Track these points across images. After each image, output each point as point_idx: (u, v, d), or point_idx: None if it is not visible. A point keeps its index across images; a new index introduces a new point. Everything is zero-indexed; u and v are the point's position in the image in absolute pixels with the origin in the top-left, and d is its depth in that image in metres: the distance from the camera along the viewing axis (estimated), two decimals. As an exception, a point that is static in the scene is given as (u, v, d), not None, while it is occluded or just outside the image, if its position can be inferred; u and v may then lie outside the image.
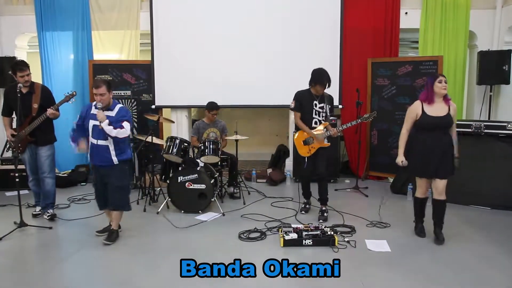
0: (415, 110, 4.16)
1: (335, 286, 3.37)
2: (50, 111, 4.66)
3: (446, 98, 4.10)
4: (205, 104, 6.00)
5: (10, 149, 4.81)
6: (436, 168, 4.08)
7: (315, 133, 4.85)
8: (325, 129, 4.87)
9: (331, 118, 5.04)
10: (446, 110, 4.07)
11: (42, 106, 4.74)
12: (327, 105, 4.87)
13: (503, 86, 6.73)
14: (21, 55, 7.25)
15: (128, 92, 6.78)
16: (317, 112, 4.89)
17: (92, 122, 4.10)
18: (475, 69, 6.75)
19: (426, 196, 4.35)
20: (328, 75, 4.75)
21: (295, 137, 5.00)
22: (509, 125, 5.23)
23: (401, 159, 4.24)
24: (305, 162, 4.98)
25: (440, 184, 4.11)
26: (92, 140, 4.13)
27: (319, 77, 4.74)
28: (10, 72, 4.83)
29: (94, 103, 4.12)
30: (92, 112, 4.11)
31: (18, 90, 4.57)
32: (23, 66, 4.69)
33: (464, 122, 5.62)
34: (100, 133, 4.04)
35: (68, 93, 4.83)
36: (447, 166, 4.09)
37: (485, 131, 5.36)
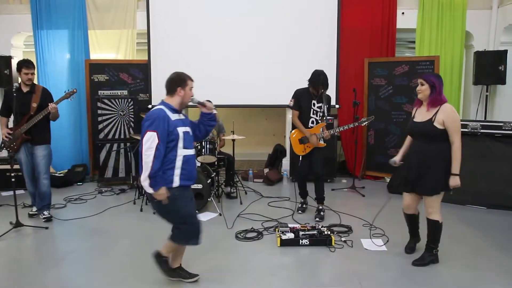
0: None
1: (332, 285, 3.37)
2: (52, 105, 4.65)
3: (432, 102, 3.50)
4: (202, 103, 6.00)
5: (4, 148, 4.78)
6: (413, 182, 3.61)
7: (311, 133, 4.86)
8: (321, 130, 4.88)
9: (328, 118, 5.05)
10: (428, 116, 3.50)
11: (41, 106, 4.74)
12: (325, 105, 4.87)
13: (499, 86, 6.76)
14: (17, 55, 7.22)
15: (125, 92, 6.76)
16: (314, 112, 4.90)
17: (181, 129, 3.11)
18: (472, 69, 6.77)
19: (413, 213, 3.83)
20: (324, 78, 4.76)
21: (293, 135, 5.01)
22: (505, 125, 5.25)
23: (394, 159, 3.82)
24: (299, 160, 5.00)
25: (425, 201, 3.61)
26: (187, 152, 3.14)
27: (315, 79, 4.77)
28: (16, 70, 4.87)
29: (166, 105, 3.16)
30: (175, 118, 3.13)
31: (13, 90, 4.57)
32: (30, 64, 4.81)
33: (461, 122, 5.61)
34: (191, 141, 3.24)
35: (68, 90, 4.85)
36: (426, 182, 3.51)
37: (482, 131, 5.37)
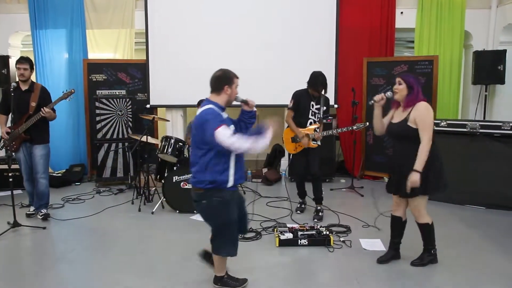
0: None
1: (331, 285, 3.36)
2: (45, 109, 4.64)
3: (407, 102, 3.41)
4: (200, 103, 6.01)
5: (3, 147, 4.78)
6: (396, 185, 3.54)
7: (304, 132, 4.86)
8: (317, 130, 4.88)
9: (328, 118, 5.06)
10: (403, 116, 3.42)
11: (40, 106, 4.73)
12: (323, 107, 4.87)
13: (498, 86, 6.75)
14: (14, 54, 7.20)
15: (123, 92, 6.74)
16: (313, 113, 4.90)
17: (232, 127, 3.07)
18: (471, 69, 6.76)
19: (400, 216, 3.67)
20: (322, 80, 4.75)
21: (286, 133, 5.04)
22: (504, 125, 5.24)
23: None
24: (292, 159, 5.03)
25: (410, 205, 3.55)
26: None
27: (314, 81, 4.78)
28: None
29: (215, 104, 3.09)
30: (225, 116, 3.12)
31: (11, 89, 4.58)
32: (22, 59, 4.80)
33: (460, 121, 5.63)
34: None
35: (66, 90, 4.84)
36: (407, 185, 3.37)
37: (480, 130, 5.36)
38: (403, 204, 3.64)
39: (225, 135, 2.85)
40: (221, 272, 3.29)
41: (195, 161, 3.04)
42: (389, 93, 3.55)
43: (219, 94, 3.09)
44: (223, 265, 3.29)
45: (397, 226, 3.71)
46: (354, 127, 5.10)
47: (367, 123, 5.20)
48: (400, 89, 3.42)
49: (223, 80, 3.09)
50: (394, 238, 3.76)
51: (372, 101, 3.63)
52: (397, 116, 3.51)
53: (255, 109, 3.29)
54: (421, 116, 3.32)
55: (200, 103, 5.92)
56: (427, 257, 3.65)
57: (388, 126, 3.57)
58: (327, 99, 4.96)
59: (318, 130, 4.87)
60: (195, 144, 3.04)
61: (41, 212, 4.93)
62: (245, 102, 3.23)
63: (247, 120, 3.26)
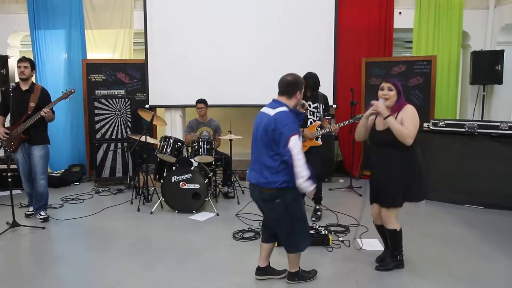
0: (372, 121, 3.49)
1: (330, 285, 3.37)
2: (45, 110, 4.64)
3: (398, 107, 3.32)
4: (199, 103, 6.03)
5: (2, 147, 4.77)
6: (374, 192, 3.56)
7: (306, 131, 4.86)
8: (318, 128, 4.88)
9: (326, 117, 5.06)
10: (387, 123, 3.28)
11: (39, 106, 4.73)
12: (321, 105, 4.88)
13: (496, 86, 6.77)
14: (13, 54, 7.20)
15: (122, 92, 6.75)
16: (311, 113, 4.91)
17: None
18: (468, 69, 6.78)
19: (381, 223, 3.61)
20: (310, 79, 4.71)
21: None
22: (502, 125, 5.26)
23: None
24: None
25: (381, 211, 3.52)
26: None
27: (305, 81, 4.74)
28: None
29: (288, 107, 3.14)
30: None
31: (10, 89, 4.58)
32: (24, 58, 4.83)
33: (458, 121, 5.65)
34: None
35: (66, 90, 4.84)
36: (385, 194, 3.41)
37: (478, 130, 5.38)
38: (376, 210, 3.62)
39: (296, 145, 2.94)
40: (296, 267, 3.37)
41: (264, 161, 3.08)
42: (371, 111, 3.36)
43: (290, 98, 3.13)
44: (298, 260, 3.36)
45: (383, 232, 3.66)
46: (360, 118, 5.00)
47: None
48: (391, 95, 3.31)
49: (296, 85, 3.14)
50: (386, 241, 3.75)
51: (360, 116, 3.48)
52: (380, 123, 3.39)
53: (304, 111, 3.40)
54: (409, 116, 3.28)
55: (200, 102, 5.94)
56: (392, 262, 3.60)
57: (372, 133, 3.47)
58: (325, 97, 4.97)
59: (321, 127, 4.87)
60: (264, 143, 3.07)
61: (40, 215, 4.91)
62: (302, 104, 3.34)
63: (300, 120, 3.32)
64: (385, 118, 3.24)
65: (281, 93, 3.15)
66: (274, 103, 3.13)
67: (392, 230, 3.49)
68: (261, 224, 4.69)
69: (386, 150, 3.38)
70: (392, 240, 3.56)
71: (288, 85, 3.13)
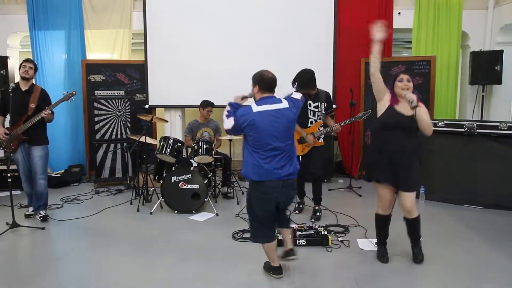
0: (387, 100, 3.63)
1: (329, 285, 3.37)
2: (46, 111, 4.65)
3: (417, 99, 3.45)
4: (199, 103, 6.01)
5: (2, 147, 4.78)
6: (396, 177, 3.54)
7: (307, 132, 4.86)
8: (321, 128, 4.86)
9: (329, 114, 5.03)
10: (409, 111, 3.47)
11: (39, 107, 4.74)
12: (323, 103, 4.86)
13: (495, 86, 6.79)
14: (13, 55, 7.20)
15: (122, 92, 6.75)
16: (312, 112, 4.89)
17: None
18: (468, 69, 6.80)
19: (390, 213, 3.73)
20: (301, 76, 4.68)
21: None
22: (501, 125, 5.26)
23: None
24: (299, 160, 5.00)
25: (406, 199, 3.57)
26: None
27: (305, 81, 4.69)
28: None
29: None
30: None
31: (10, 90, 4.59)
32: (29, 59, 4.87)
33: (457, 122, 5.65)
34: None
35: (67, 92, 4.85)
36: (409, 178, 3.51)
37: (478, 131, 5.38)
38: (393, 200, 3.68)
39: None
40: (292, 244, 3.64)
41: (292, 152, 3.25)
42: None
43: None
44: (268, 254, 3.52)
45: (388, 224, 3.77)
46: (361, 117, 5.00)
47: (370, 111, 5.14)
48: (410, 86, 3.54)
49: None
50: (385, 237, 3.82)
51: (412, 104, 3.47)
52: (404, 109, 3.51)
53: None
54: (426, 111, 3.54)
55: (203, 102, 5.93)
56: (420, 250, 3.76)
57: (397, 116, 3.52)
58: (327, 95, 4.95)
59: (321, 128, 4.87)
60: (289, 136, 3.23)
61: (40, 213, 4.93)
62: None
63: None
64: (413, 108, 3.37)
65: (272, 90, 3.32)
66: (278, 99, 3.28)
67: (417, 217, 3.64)
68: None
69: (408, 135, 3.51)
70: (417, 228, 3.68)
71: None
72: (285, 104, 3.23)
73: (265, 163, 3.14)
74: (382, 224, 3.78)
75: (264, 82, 3.28)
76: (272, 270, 3.47)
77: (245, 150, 3.27)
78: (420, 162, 3.58)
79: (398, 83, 3.55)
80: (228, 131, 3.31)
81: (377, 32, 3.63)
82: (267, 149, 3.15)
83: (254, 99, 3.36)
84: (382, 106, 3.63)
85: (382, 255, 3.78)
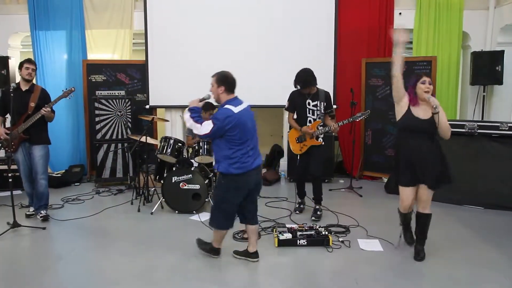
0: (405, 102, 3.71)
1: (330, 285, 3.38)
2: (46, 109, 4.66)
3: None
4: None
5: (3, 147, 4.78)
6: (419, 175, 3.66)
7: (305, 127, 4.85)
8: (320, 127, 4.86)
9: (332, 112, 5.03)
10: (427, 114, 3.59)
11: (39, 106, 4.74)
12: (323, 102, 4.86)
13: (496, 87, 6.78)
14: (14, 55, 7.21)
15: (122, 92, 6.75)
16: (310, 111, 4.89)
17: None
18: (469, 70, 6.78)
19: (411, 211, 3.94)
20: (301, 75, 4.74)
21: (291, 134, 5.04)
22: (502, 125, 5.26)
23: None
24: (297, 160, 5.02)
25: (424, 196, 3.70)
26: None
27: (303, 80, 4.75)
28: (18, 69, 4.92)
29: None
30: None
31: (11, 90, 4.59)
32: (31, 60, 4.89)
33: (458, 122, 5.65)
34: None
35: (66, 88, 4.86)
36: (433, 175, 3.62)
37: (479, 131, 5.38)
38: (413, 197, 3.79)
39: None
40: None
41: (256, 146, 3.66)
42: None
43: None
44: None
45: (410, 220, 4.00)
46: (359, 117, 5.01)
47: (369, 111, 5.17)
48: (431, 88, 3.60)
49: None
50: (407, 225, 4.03)
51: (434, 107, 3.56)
52: (421, 112, 3.61)
53: None
54: (444, 114, 3.63)
55: (206, 105, 5.92)
56: (423, 249, 3.85)
57: (412, 120, 3.62)
58: (327, 94, 4.95)
59: (320, 127, 4.87)
60: (254, 132, 3.65)
61: (41, 213, 4.93)
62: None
63: None
64: (436, 114, 3.50)
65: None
66: (240, 100, 3.62)
67: (429, 214, 3.75)
68: (260, 224, 4.72)
69: (427, 137, 3.61)
70: (426, 225, 3.77)
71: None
72: (246, 104, 3.62)
73: (246, 157, 3.49)
74: (406, 222, 4.02)
75: (230, 84, 3.56)
76: (213, 251, 3.83)
77: (219, 148, 3.51)
78: (445, 161, 3.69)
79: (420, 84, 3.60)
80: (205, 136, 3.49)
81: (401, 36, 3.69)
82: (247, 145, 3.50)
83: (218, 100, 3.62)
84: (401, 109, 3.73)
85: (411, 238, 4.00)
